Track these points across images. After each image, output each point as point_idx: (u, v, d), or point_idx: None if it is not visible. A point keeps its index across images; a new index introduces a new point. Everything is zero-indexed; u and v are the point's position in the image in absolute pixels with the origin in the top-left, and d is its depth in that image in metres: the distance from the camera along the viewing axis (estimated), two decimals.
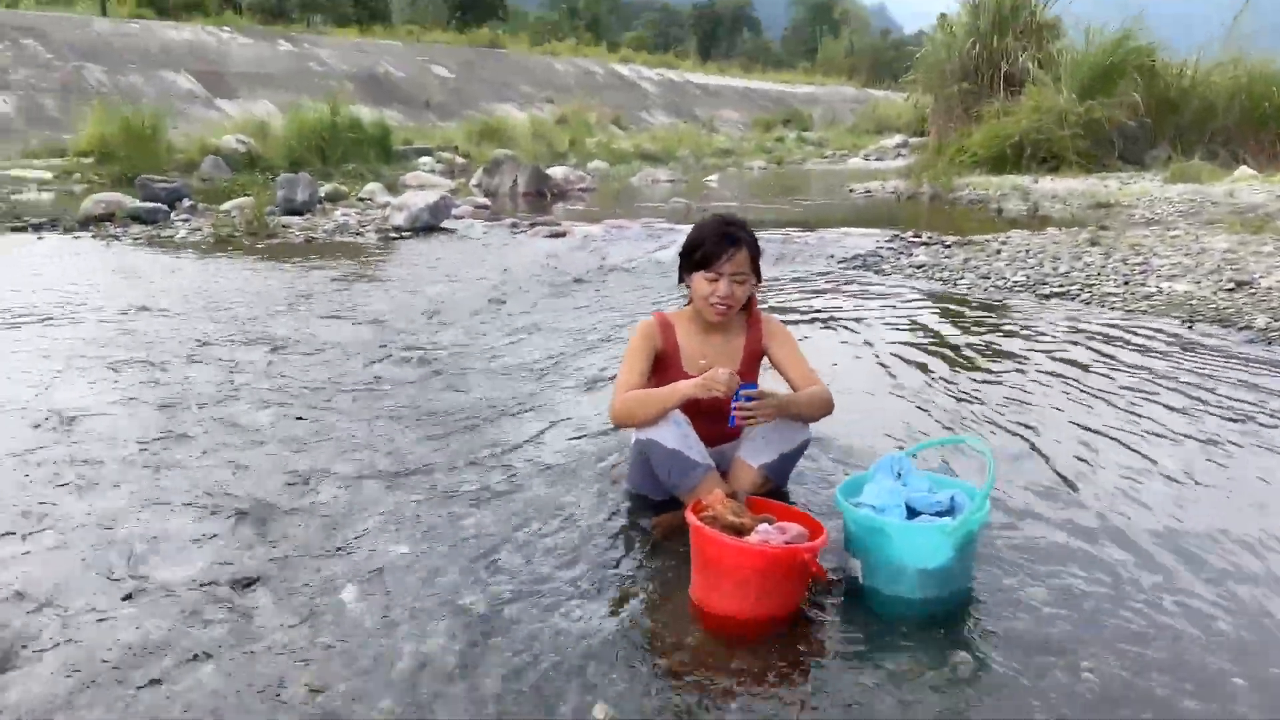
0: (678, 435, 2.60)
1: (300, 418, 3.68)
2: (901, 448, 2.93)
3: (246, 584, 2.33)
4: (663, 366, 2.85)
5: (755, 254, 2.77)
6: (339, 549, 2.55)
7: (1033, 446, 3.33)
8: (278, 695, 1.90)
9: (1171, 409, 3.75)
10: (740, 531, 2.20)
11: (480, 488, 2.97)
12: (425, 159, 18.48)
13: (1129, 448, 3.33)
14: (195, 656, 2.03)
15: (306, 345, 4.91)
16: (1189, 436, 3.42)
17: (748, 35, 74.89)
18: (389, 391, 4.06)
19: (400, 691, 1.92)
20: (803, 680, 1.98)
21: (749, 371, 2.89)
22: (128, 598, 2.27)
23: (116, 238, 9.33)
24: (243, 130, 16.89)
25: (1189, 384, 4.08)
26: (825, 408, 2.73)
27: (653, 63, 40.60)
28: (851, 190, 15.45)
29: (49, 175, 13.77)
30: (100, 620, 2.16)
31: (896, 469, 2.43)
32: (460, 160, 18.82)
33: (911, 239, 8.60)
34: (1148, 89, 15.47)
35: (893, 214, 11.85)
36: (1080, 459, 3.19)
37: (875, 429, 3.58)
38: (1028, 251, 7.58)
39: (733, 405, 2.52)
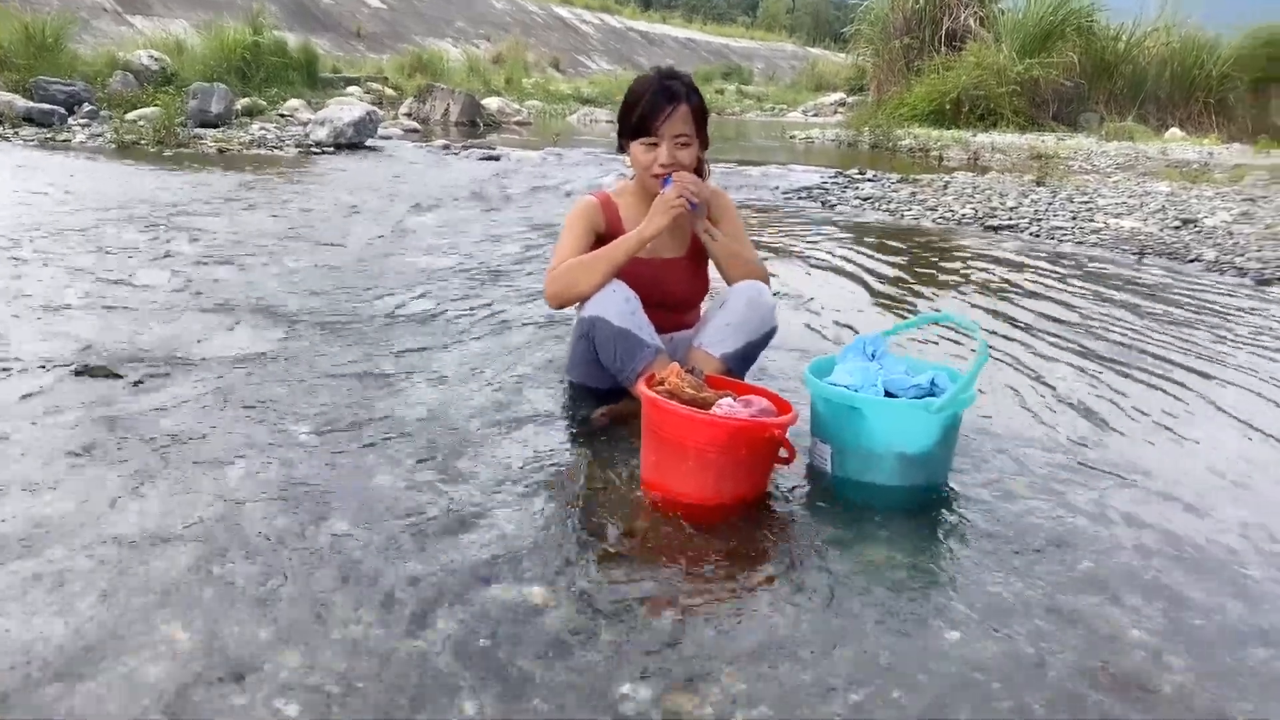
0: (625, 313, 2.31)
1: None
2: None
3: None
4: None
5: (700, 112, 2.44)
6: (241, 453, 2.21)
7: (999, 358, 3.12)
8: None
9: (1127, 326, 3.59)
10: (700, 407, 1.92)
11: (405, 389, 2.64)
12: (353, 88, 17.62)
13: (1093, 360, 3.15)
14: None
15: (205, 243, 4.47)
16: (1137, 344, 3.27)
17: None
18: (291, 304, 3.66)
19: (323, 595, 1.60)
20: (768, 568, 1.72)
21: (699, 261, 2.62)
22: None
23: (5, 139, 8.62)
24: (156, 47, 15.84)
25: (1141, 297, 3.94)
26: (751, 269, 2.49)
27: (593, 6, 39.61)
28: (793, 136, 15.27)
29: None
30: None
31: (870, 349, 2.18)
32: (390, 92, 18.00)
33: (856, 175, 8.40)
34: (1084, 51, 15.57)
35: (835, 158, 11.66)
36: (1057, 374, 2.99)
37: (834, 330, 3.36)
38: (974, 188, 7.44)
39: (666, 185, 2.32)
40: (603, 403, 2.42)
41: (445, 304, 3.51)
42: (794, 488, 2.04)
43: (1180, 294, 4.19)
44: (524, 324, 3.26)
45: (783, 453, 1.90)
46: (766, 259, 4.54)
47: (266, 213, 5.38)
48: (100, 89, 11.73)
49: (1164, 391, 2.83)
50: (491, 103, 15.43)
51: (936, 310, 3.68)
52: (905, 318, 3.56)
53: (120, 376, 2.52)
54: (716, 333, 2.39)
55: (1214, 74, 15.72)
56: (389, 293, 3.65)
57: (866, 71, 19.55)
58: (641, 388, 1.93)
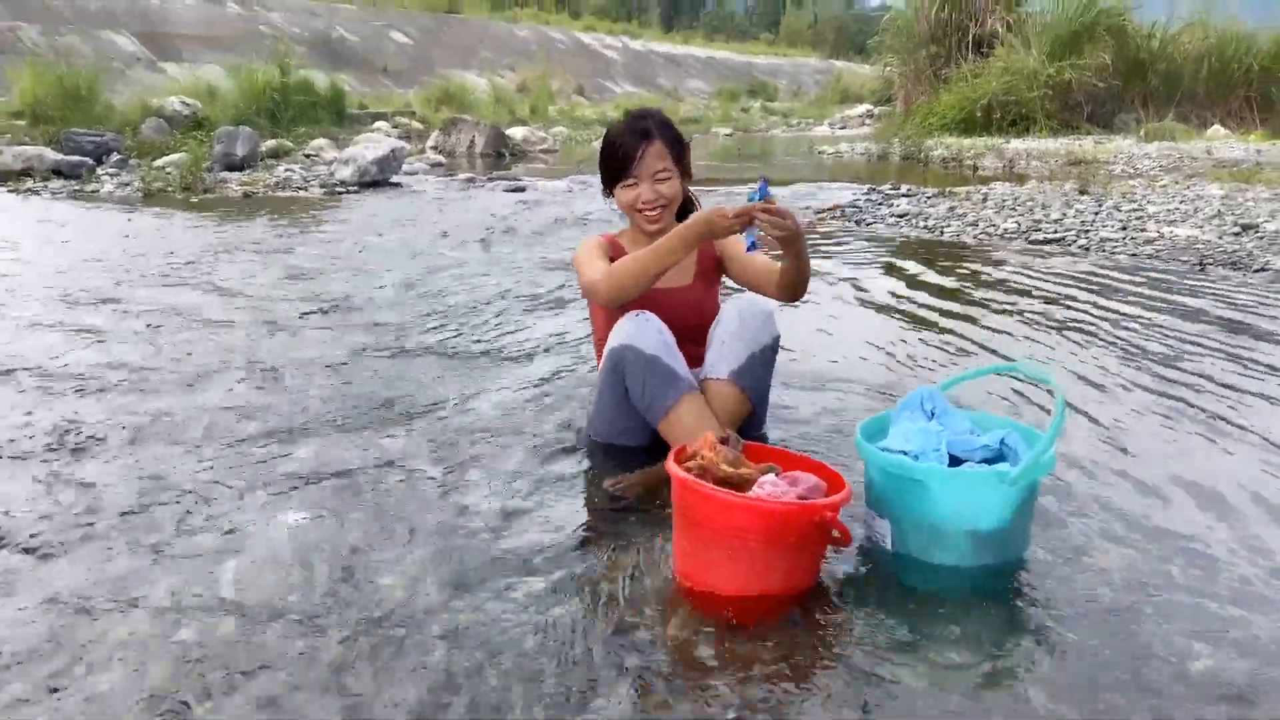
0: (659, 342, 2.17)
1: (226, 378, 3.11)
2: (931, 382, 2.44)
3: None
4: None
5: (676, 145, 2.39)
6: (231, 529, 2.01)
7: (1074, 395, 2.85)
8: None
9: (1206, 353, 3.30)
10: (739, 486, 1.69)
11: (411, 447, 2.44)
12: (380, 123, 17.71)
13: (1173, 397, 2.86)
14: None
15: (226, 295, 4.33)
16: (1235, 386, 2.97)
17: (710, 5, 73.96)
18: (303, 354, 3.48)
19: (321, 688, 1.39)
20: (819, 680, 1.48)
21: (707, 285, 2.49)
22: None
23: (35, 193, 8.61)
24: (187, 93, 16.01)
25: (1222, 325, 3.64)
26: (809, 274, 2.28)
27: (616, 30, 39.72)
28: (820, 152, 15.01)
29: None
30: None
31: (928, 405, 1.94)
32: (418, 126, 18.08)
33: (889, 190, 8.14)
34: (1117, 51, 15.18)
35: (865, 172, 11.39)
36: (1131, 410, 2.71)
37: (886, 370, 3.11)
38: (1015, 200, 7.14)
39: (752, 202, 2.03)
40: (630, 465, 2.20)
41: (456, 352, 3.31)
42: (848, 572, 1.79)
43: (1262, 311, 3.87)
44: (541, 379, 3.02)
45: (835, 532, 1.66)
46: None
47: (266, 264, 5.22)
48: (131, 137, 11.80)
49: (1260, 439, 2.54)
50: (516, 132, 15.35)
51: (1000, 358, 3.27)
52: (960, 357, 3.28)
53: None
54: (717, 354, 2.27)
55: (1254, 68, 15.26)
56: (390, 346, 3.45)
57: (893, 82, 19.28)
58: (671, 465, 1.70)
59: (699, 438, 1.78)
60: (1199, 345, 3.36)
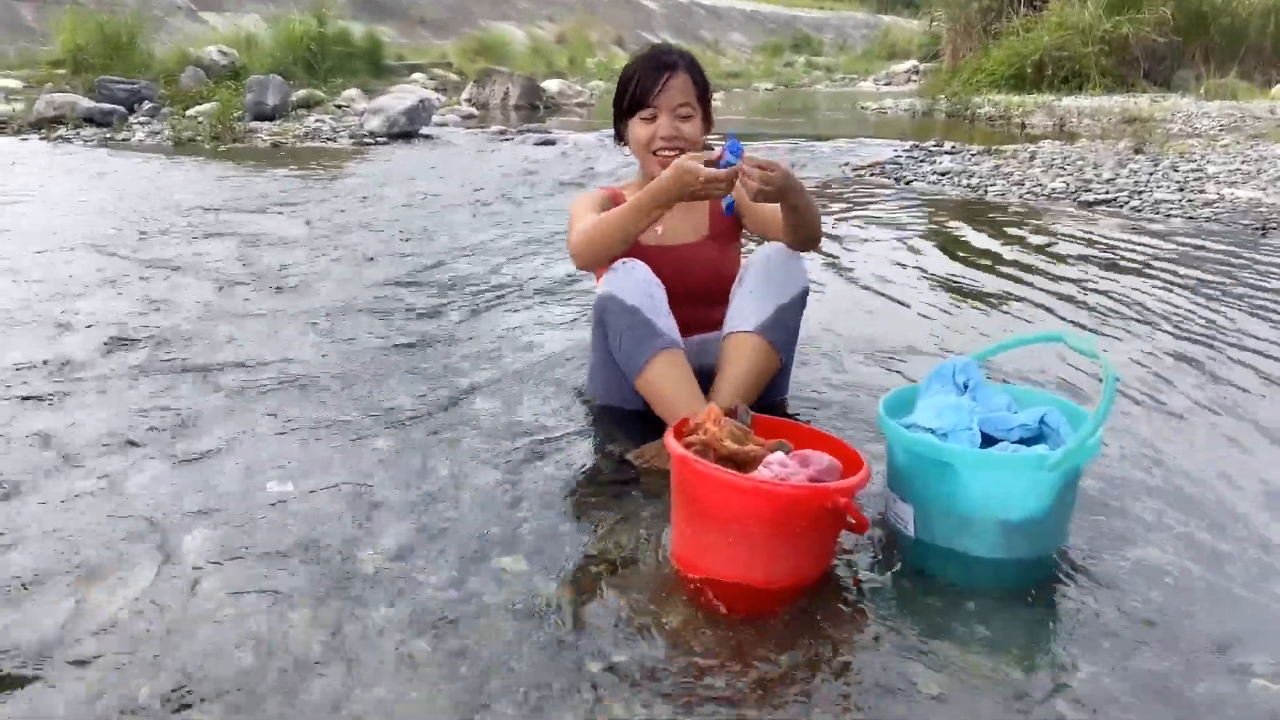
0: (641, 292, 1.98)
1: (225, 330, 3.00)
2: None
3: None
4: None
5: (701, 84, 2.18)
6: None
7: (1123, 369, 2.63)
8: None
9: (1268, 327, 3.06)
10: (744, 464, 1.53)
11: (401, 406, 2.30)
12: (417, 75, 17.52)
13: (1231, 377, 2.65)
14: None
15: (243, 242, 4.21)
16: None
17: None
18: (293, 307, 3.36)
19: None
20: (825, 684, 1.32)
21: (723, 244, 2.29)
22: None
23: (67, 140, 8.58)
24: (227, 43, 15.91)
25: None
26: (819, 224, 2.09)
27: None
28: (864, 108, 14.59)
29: (18, 85, 12.89)
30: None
31: (960, 378, 1.75)
32: (455, 78, 17.85)
33: (933, 147, 7.82)
34: (1178, 4, 14.52)
35: (909, 129, 11.01)
36: (1186, 389, 2.50)
37: (916, 337, 2.90)
38: (1064, 159, 6.81)
39: (722, 164, 1.85)
40: (635, 430, 2.05)
41: (460, 313, 3.16)
42: (866, 562, 1.63)
43: None
44: (543, 339, 2.84)
45: (849, 519, 1.50)
46: (829, 252, 4.11)
47: (286, 217, 5.08)
48: (166, 86, 11.73)
49: None
50: (551, 85, 15.08)
51: (1040, 329, 3.04)
52: (997, 326, 3.06)
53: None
54: (742, 305, 2.07)
55: None
56: (386, 301, 3.30)
57: (941, 37, 18.68)
58: (670, 440, 1.54)
59: (703, 410, 1.61)
60: (1261, 318, 3.12)
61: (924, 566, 1.60)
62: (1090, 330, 3.03)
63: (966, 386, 1.74)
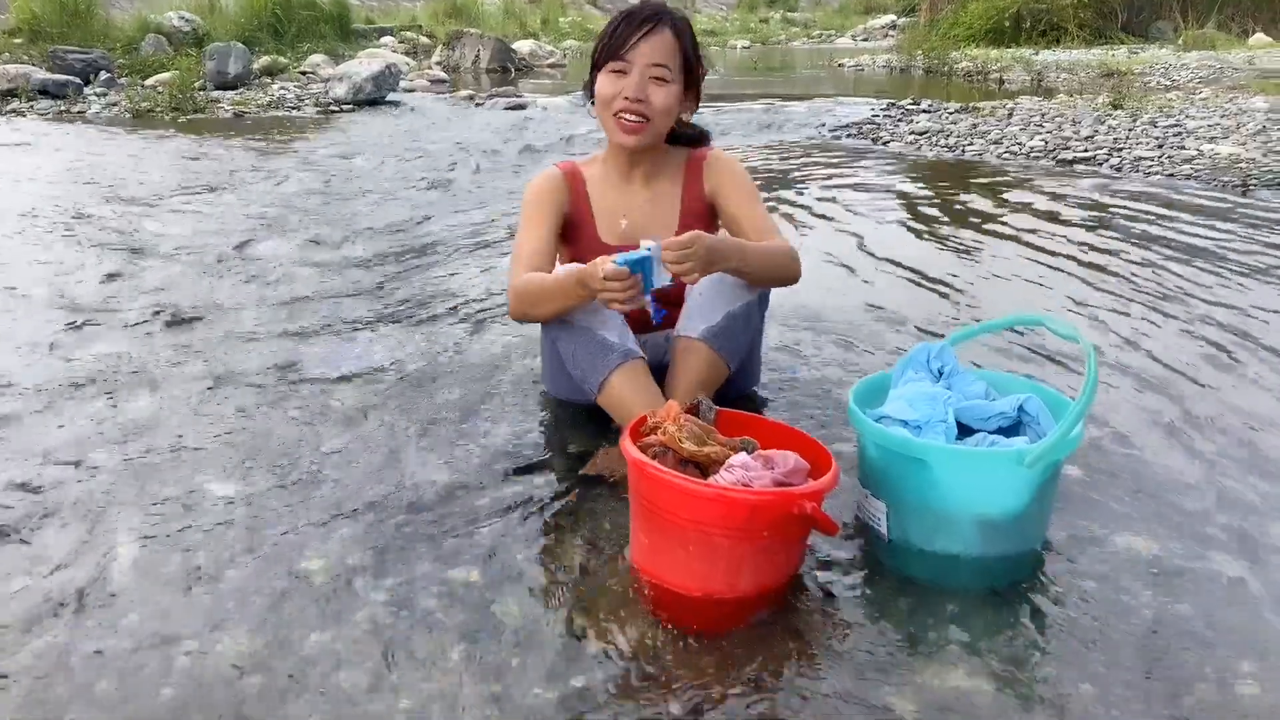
0: (588, 307, 1.82)
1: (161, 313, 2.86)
2: (940, 336, 2.16)
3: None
4: (573, 234, 2.06)
5: (687, 51, 1.93)
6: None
7: (1108, 343, 2.56)
8: None
9: (1254, 291, 2.99)
10: (705, 467, 1.43)
11: (363, 401, 2.19)
12: (387, 38, 17.11)
13: (1220, 346, 2.57)
14: None
15: (181, 225, 4.06)
16: None
17: None
18: (235, 295, 3.22)
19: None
20: (800, 704, 1.24)
21: (695, 228, 2.07)
22: None
23: (21, 114, 8.30)
24: (188, 8, 15.45)
25: (1275, 257, 3.32)
26: (784, 268, 1.92)
27: None
28: (841, 65, 14.41)
29: None
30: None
31: (935, 364, 1.66)
32: (425, 40, 17.44)
33: (909, 106, 7.69)
34: None
35: (886, 86, 10.85)
36: (1171, 363, 2.41)
37: (890, 315, 2.79)
38: (1043, 116, 6.70)
39: (647, 281, 1.68)
40: (594, 428, 1.95)
41: (406, 295, 3.03)
42: (836, 563, 1.54)
43: None
44: (501, 325, 2.70)
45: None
46: (802, 222, 3.99)
47: (224, 188, 4.92)
48: (125, 55, 11.38)
49: None
50: (523, 46, 14.79)
51: (1021, 306, 2.91)
52: (972, 303, 2.96)
53: None
54: (691, 308, 1.89)
55: None
56: (333, 284, 3.17)
57: None
58: (625, 443, 1.44)
59: (663, 407, 1.51)
60: (1246, 283, 3.04)
61: (898, 566, 1.52)
62: (1073, 292, 2.94)
63: (941, 373, 1.65)
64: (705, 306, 1.86)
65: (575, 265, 1.79)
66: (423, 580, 1.48)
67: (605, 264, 1.65)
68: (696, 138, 2.11)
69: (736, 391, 2.02)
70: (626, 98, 1.88)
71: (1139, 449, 1.93)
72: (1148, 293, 2.97)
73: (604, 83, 1.92)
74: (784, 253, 1.92)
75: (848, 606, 1.44)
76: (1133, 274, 3.17)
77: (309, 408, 2.14)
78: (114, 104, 8.78)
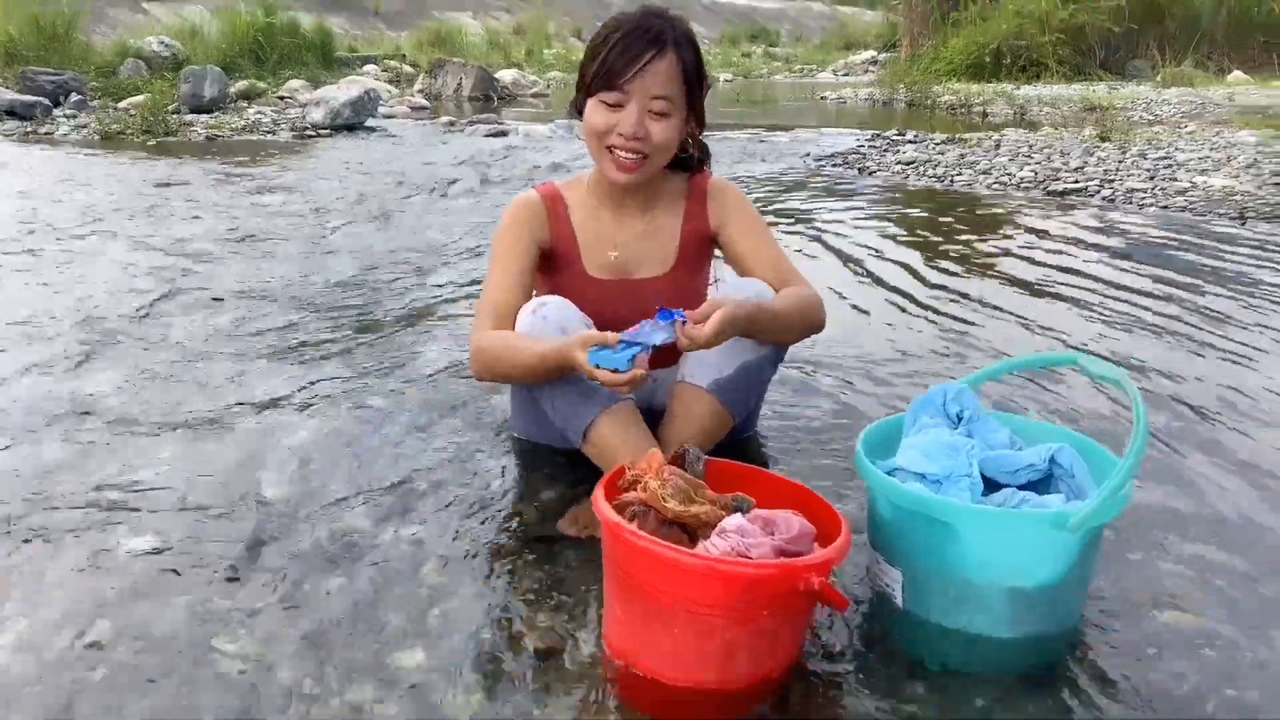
0: None
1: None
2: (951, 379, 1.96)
3: None
4: (555, 266, 1.81)
5: (693, 77, 1.69)
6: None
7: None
8: None
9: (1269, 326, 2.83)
10: (693, 530, 1.23)
11: (311, 443, 1.97)
12: (370, 67, 16.99)
13: (1262, 382, 2.40)
14: None
15: (130, 249, 3.83)
16: None
17: None
18: (192, 328, 3.00)
19: None
20: None
21: (692, 271, 1.85)
22: None
23: None
24: (170, 34, 15.27)
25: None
26: (812, 319, 1.71)
27: None
28: (824, 97, 14.37)
29: None
30: None
31: (953, 408, 1.47)
32: (409, 69, 17.35)
33: (895, 136, 7.58)
34: None
35: (870, 118, 10.78)
36: (1197, 403, 2.23)
37: (898, 352, 2.58)
38: (1030, 147, 6.60)
39: (647, 345, 1.44)
40: (568, 478, 1.73)
41: (371, 333, 2.79)
42: (844, 640, 1.33)
43: None
44: (461, 362, 2.45)
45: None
46: (794, 250, 3.81)
47: (188, 212, 4.69)
48: (97, 79, 11.17)
49: None
50: (505, 75, 14.68)
51: (1041, 340, 2.72)
52: (982, 341, 2.76)
53: None
54: (701, 355, 1.62)
55: (1276, 11, 14.63)
56: (294, 315, 2.94)
57: (898, 27, 18.58)
58: (599, 502, 1.22)
59: (643, 457, 1.30)
60: (1264, 324, 2.87)
61: (915, 645, 1.31)
62: (1099, 338, 2.73)
63: (960, 418, 1.45)
64: (717, 353, 1.61)
65: (555, 343, 1.52)
66: (362, 667, 1.26)
67: (591, 357, 1.42)
68: (694, 160, 1.86)
69: (729, 436, 1.80)
70: (623, 135, 1.65)
71: (1179, 500, 1.73)
72: (1174, 331, 2.77)
73: (596, 112, 1.67)
74: (814, 305, 1.71)
75: (857, 696, 1.23)
76: (1141, 308, 3.00)
77: (245, 445, 1.91)
78: (83, 126, 8.57)
